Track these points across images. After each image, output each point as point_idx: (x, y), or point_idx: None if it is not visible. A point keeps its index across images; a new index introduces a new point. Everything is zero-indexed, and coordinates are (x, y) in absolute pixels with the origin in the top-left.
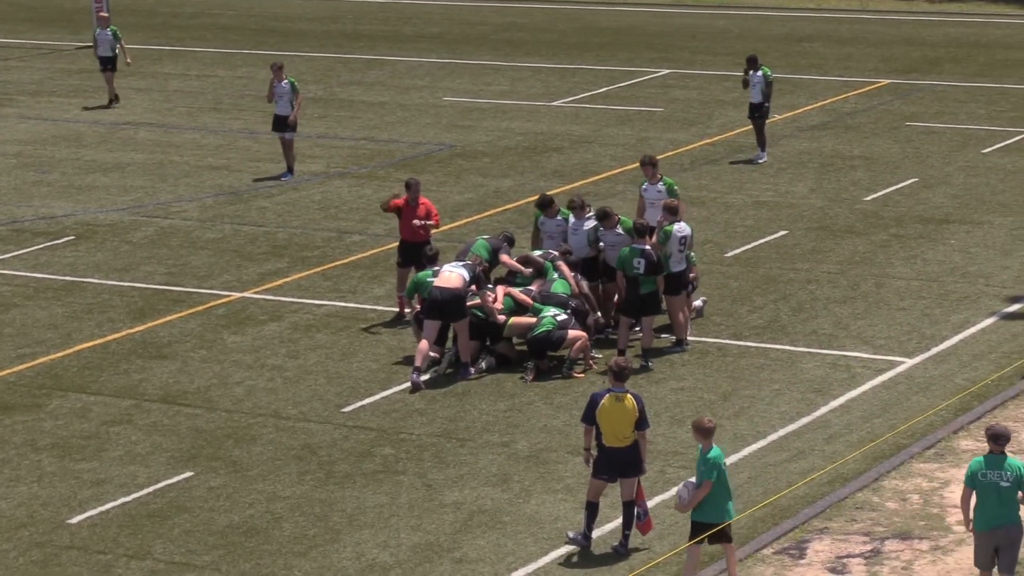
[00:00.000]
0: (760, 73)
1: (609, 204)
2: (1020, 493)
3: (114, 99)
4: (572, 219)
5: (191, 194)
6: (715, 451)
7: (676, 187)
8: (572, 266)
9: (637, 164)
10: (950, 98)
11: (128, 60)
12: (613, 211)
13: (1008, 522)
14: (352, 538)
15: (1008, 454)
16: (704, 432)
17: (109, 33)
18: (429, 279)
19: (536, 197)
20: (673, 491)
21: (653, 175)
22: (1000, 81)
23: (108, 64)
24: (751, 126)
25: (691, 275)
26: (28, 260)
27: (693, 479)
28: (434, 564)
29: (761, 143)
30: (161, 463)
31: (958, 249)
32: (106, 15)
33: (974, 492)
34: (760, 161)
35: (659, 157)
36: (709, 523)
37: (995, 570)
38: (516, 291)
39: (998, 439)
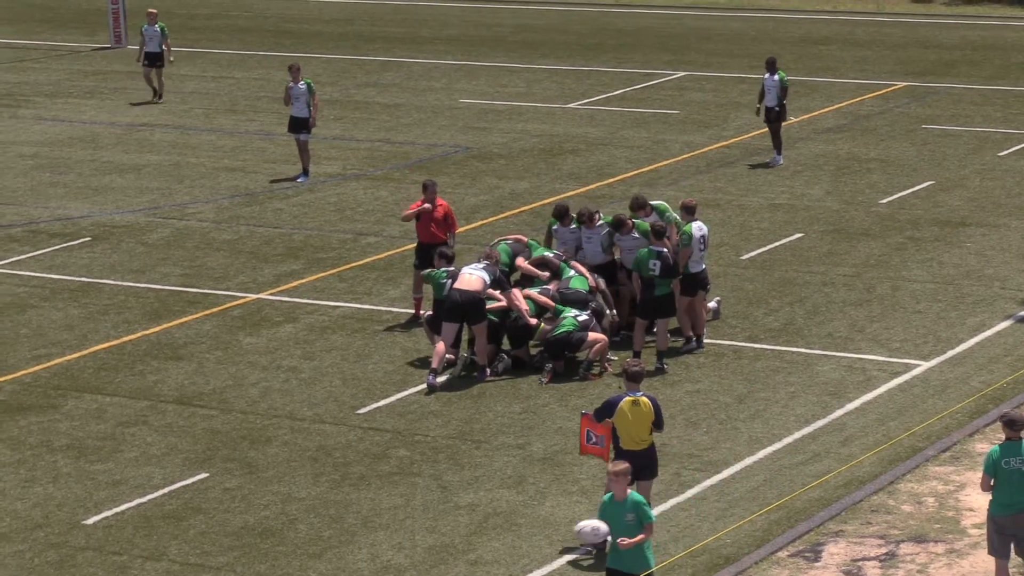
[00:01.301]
0: (776, 77)
1: (625, 206)
2: None
3: (159, 96)
4: (584, 228)
5: (207, 195)
6: (636, 494)
7: (668, 212)
8: (589, 268)
9: (653, 167)
10: (966, 101)
11: (171, 58)
12: (626, 217)
13: None
14: (367, 539)
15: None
16: (628, 474)
17: (157, 29)
18: (443, 279)
19: (550, 200)
20: (689, 494)
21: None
22: (1016, 84)
23: (156, 60)
24: (767, 129)
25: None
26: (44, 261)
27: (594, 521)
28: (449, 566)
29: (777, 146)
30: (176, 464)
31: (974, 252)
32: (154, 11)
33: (993, 479)
34: (776, 164)
35: (674, 160)
36: (630, 573)
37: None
38: (534, 292)
39: (1014, 425)
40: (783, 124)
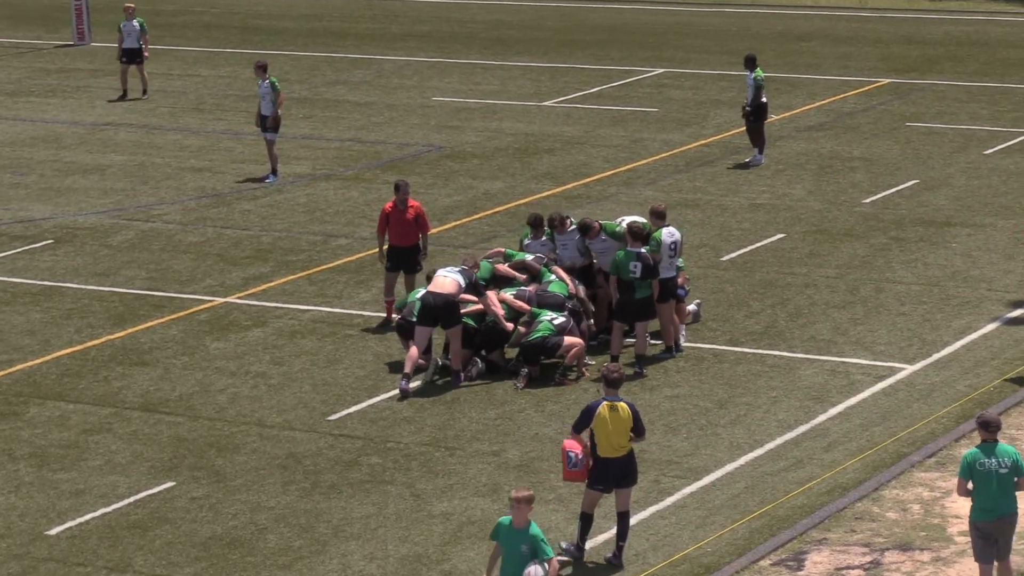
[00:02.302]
0: (752, 75)
1: (603, 207)
2: (1016, 479)
3: (144, 91)
4: (557, 235)
5: (173, 196)
6: (536, 527)
7: (618, 228)
8: (568, 271)
9: (631, 167)
10: (951, 98)
11: (146, 53)
12: (592, 220)
13: (1009, 511)
14: (338, 550)
15: (1000, 440)
16: (531, 502)
17: (136, 24)
18: (419, 290)
19: (526, 201)
20: (668, 502)
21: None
22: (1002, 81)
23: (135, 56)
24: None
25: (679, 280)
26: (5, 264)
27: (536, 565)
28: None
29: (758, 144)
30: (142, 473)
31: (959, 253)
32: (131, 5)
33: (970, 482)
34: (757, 163)
35: (653, 159)
36: None
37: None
38: (510, 296)
39: (989, 426)
40: (764, 122)
